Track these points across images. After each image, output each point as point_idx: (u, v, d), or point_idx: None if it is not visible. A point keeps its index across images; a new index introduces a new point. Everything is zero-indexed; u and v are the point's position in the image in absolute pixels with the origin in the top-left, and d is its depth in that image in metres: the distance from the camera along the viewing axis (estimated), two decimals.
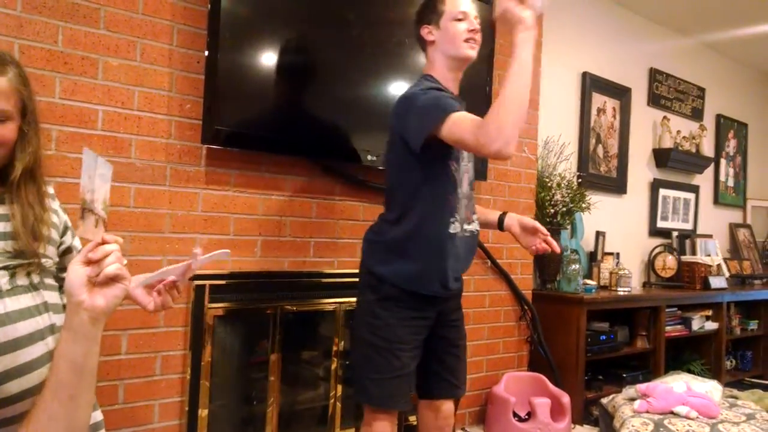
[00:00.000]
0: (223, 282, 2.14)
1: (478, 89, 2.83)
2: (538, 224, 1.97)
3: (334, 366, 2.43)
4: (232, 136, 2.10)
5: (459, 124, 1.61)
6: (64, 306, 1.08)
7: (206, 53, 2.04)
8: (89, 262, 0.80)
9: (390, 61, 2.49)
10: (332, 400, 2.43)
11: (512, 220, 2.00)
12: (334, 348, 2.43)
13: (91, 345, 0.80)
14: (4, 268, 1.01)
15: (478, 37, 1.82)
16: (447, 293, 1.85)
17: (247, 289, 2.20)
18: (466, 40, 1.81)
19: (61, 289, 1.11)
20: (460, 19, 1.81)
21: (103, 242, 0.81)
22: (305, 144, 2.29)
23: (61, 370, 0.79)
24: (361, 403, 1.86)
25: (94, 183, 0.82)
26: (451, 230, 1.78)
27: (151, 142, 2.01)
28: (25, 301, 1.02)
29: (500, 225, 2.02)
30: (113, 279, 0.81)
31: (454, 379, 1.95)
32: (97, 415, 1.18)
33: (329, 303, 2.40)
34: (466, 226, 1.84)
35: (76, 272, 0.80)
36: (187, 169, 2.08)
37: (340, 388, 2.43)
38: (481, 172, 2.87)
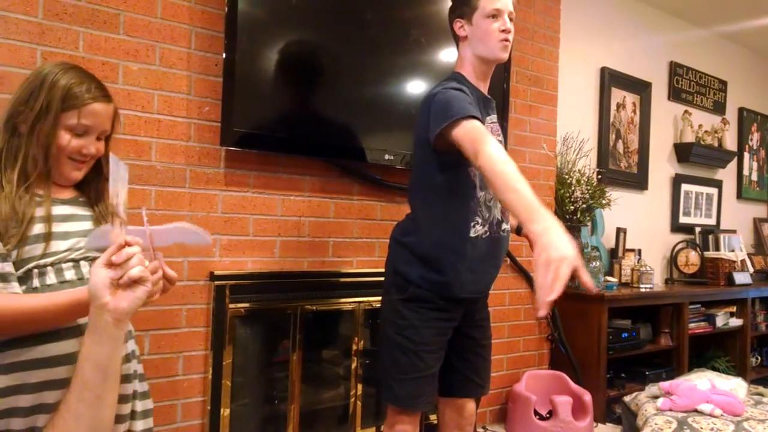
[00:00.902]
0: (243, 282, 2.16)
1: (495, 86, 2.81)
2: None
3: (354, 365, 2.44)
4: (250, 138, 2.12)
5: (470, 132, 1.55)
6: None
7: (224, 56, 2.06)
8: (112, 265, 0.81)
9: (407, 61, 2.49)
10: (353, 399, 2.44)
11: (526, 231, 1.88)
12: (354, 347, 2.44)
13: (115, 346, 0.81)
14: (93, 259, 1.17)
15: (511, 37, 1.77)
16: (471, 296, 1.82)
17: (267, 289, 2.22)
18: (501, 41, 1.75)
19: None
20: (493, 16, 1.75)
21: (126, 244, 0.83)
22: (323, 145, 2.30)
23: (86, 371, 0.80)
24: (385, 402, 1.85)
25: (118, 186, 0.84)
26: (472, 234, 1.74)
27: (171, 145, 2.04)
28: None
29: (518, 230, 2.00)
30: (136, 281, 0.82)
31: (477, 378, 1.93)
32: (148, 404, 1.30)
33: (348, 302, 2.41)
34: (494, 227, 1.79)
35: (100, 274, 0.81)
36: (207, 171, 2.10)
37: (360, 387, 2.44)
38: None
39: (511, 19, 1.77)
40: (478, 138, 1.52)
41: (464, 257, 1.74)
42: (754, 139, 4.96)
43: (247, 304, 2.17)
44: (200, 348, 2.09)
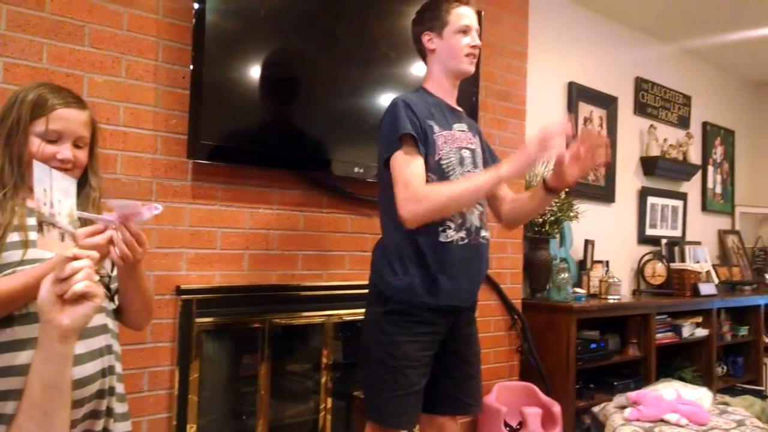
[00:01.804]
0: (210, 296, 2.14)
1: (464, 100, 2.84)
2: (572, 151, 1.71)
3: (323, 379, 2.42)
4: (218, 151, 2.11)
5: (404, 170, 1.70)
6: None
7: (191, 68, 2.05)
8: (58, 280, 0.80)
9: (376, 74, 2.51)
10: (322, 413, 2.42)
11: (552, 175, 1.79)
12: (324, 361, 2.42)
13: (62, 363, 0.80)
14: None
15: (478, 52, 1.86)
16: (453, 305, 1.80)
17: (235, 303, 2.20)
18: (467, 55, 1.84)
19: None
20: (463, 32, 1.83)
21: (74, 258, 0.81)
22: (292, 157, 2.30)
23: (35, 388, 0.79)
24: (368, 420, 1.82)
25: (52, 196, 0.82)
26: (443, 239, 1.76)
27: (137, 158, 2.02)
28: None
29: (548, 189, 1.82)
30: (83, 296, 0.80)
31: (464, 396, 1.90)
32: (127, 426, 1.34)
33: (318, 316, 2.40)
34: (472, 234, 1.81)
35: (47, 289, 0.80)
36: (173, 184, 2.09)
37: (330, 401, 2.43)
38: None
39: (477, 35, 1.86)
40: (412, 178, 1.68)
41: (438, 262, 1.75)
42: (718, 152, 5.08)
43: (214, 319, 2.14)
44: (166, 363, 2.06)
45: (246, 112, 2.19)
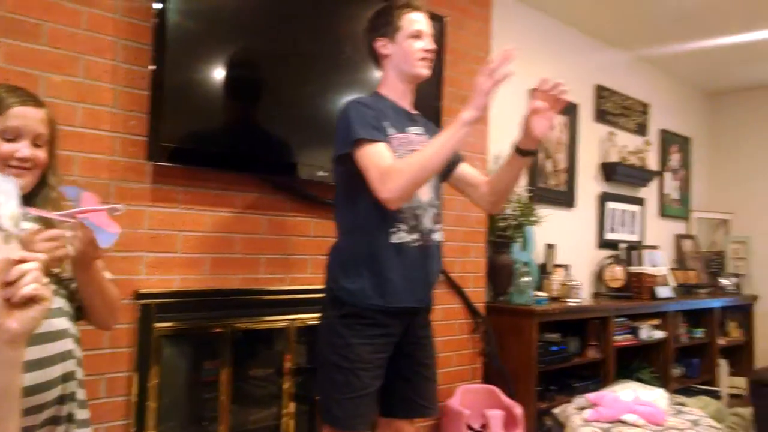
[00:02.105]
0: (170, 301, 2.10)
1: (428, 104, 2.86)
2: (531, 107, 1.75)
3: (286, 384, 2.40)
4: (179, 153, 2.08)
5: (370, 155, 1.70)
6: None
7: (151, 68, 2.02)
8: (5, 283, 0.77)
9: (341, 77, 2.51)
10: (285, 418, 2.40)
11: (521, 138, 1.81)
12: (287, 365, 2.41)
13: (11, 370, 0.77)
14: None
15: (432, 56, 1.87)
16: (407, 306, 1.82)
17: (196, 308, 2.17)
18: (422, 59, 1.86)
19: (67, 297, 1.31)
20: (416, 37, 1.85)
21: (21, 260, 0.79)
22: (254, 160, 2.28)
23: None
24: (324, 423, 1.83)
25: None
26: (395, 240, 1.77)
27: (95, 160, 1.98)
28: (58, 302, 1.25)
29: (521, 152, 1.83)
30: (31, 300, 0.78)
31: (421, 399, 1.91)
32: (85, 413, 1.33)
33: (281, 320, 2.38)
34: (424, 235, 1.82)
35: None
36: (132, 186, 2.05)
37: (292, 405, 2.41)
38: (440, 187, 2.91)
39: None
40: (384, 162, 1.67)
41: (390, 264, 1.76)
42: (675, 159, 5.21)
43: (174, 323, 2.11)
44: (124, 369, 2.01)
45: (208, 114, 2.17)
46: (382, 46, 1.87)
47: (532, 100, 1.76)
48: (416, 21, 1.86)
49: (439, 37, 2.96)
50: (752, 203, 5.36)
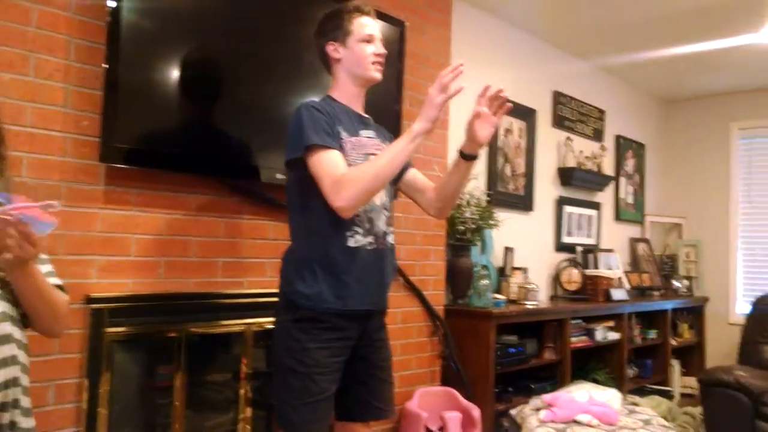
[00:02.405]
0: (123, 305, 2.06)
1: (388, 108, 2.88)
2: (475, 112, 1.81)
3: (243, 388, 2.38)
4: (133, 154, 2.05)
5: (323, 163, 1.70)
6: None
7: (105, 68, 1.98)
8: None
9: (301, 79, 2.50)
10: (241, 423, 2.38)
11: (465, 142, 1.86)
12: (243, 370, 2.38)
13: None
14: None
15: (383, 60, 1.89)
16: (363, 309, 1.82)
17: (150, 312, 2.13)
18: (373, 63, 1.87)
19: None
20: (367, 41, 1.87)
21: None
22: (211, 162, 2.25)
23: None
24: (280, 428, 1.82)
25: None
26: (352, 244, 1.78)
27: (45, 161, 1.93)
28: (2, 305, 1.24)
29: (465, 156, 1.87)
30: None
31: (378, 402, 1.92)
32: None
33: (238, 324, 2.36)
34: (379, 239, 1.83)
35: None
36: (84, 188, 2.00)
37: (249, 410, 2.39)
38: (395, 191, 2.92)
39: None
40: (336, 170, 1.69)
41: (347, 267, 1.76)
42: (630, 165, 5.35)
43: (127, 328, 2.07)
44: (74, 375, 1.97)
45: (163, 115, 2.14)
46: (333, 50, 1.88)
47: (475, 106, 1.81)
48: (367, 25, 1.88)
49: (399, 41, 2.98)
50: (703, 208, 5.53)
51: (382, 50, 1.88)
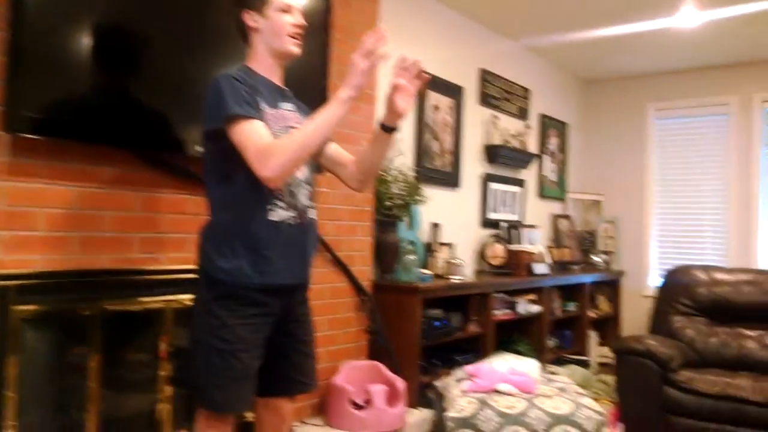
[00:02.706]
0: (31, 282, 1.96)
1: (313, 82, 2.84)
2: (392, 84, 1.83)
3: (162, 367, 2.32)
4: (41, 124, 1.94)
5: (248, 133, 1.66)
6: None
7: (8, 33, 1.86)
8: None
9: (223, 49, 2.42)
10: (161, 404, 2.33)
11: (386, 115, 1.88)
12: (163, 348, 2.32)
13: None
14: None
15: (302, 32, 1.85)
16: (286, 283, 1.80)
17: (62, 290, 2.04)
18: (292, 36, 1.83)
19: None
20: (285, 11, 1.82)
21: None
22: (126, 133, 2.16)
23: None
24: (201, 407, 1.78)
25: None
26: (273, 218, 1.75)
27: None
28: None
29: (386, 128, 1.89)
30: None
31: (301, 376, 1.92)
32: None
33: (156, 301, 2.29)
34: (297, 213, 1.81)
35: None
36: None
37: (169, 389, 2.34)
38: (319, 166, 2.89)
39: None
40: (261, 140, 1.65)
41: (268, 242, 1.74)
42: (553, 143, 5.50)
43: (36, 307, 1.98)
44: None
45: (73, 83, 2.03)
46: (251, 18, 1.83)
47: (393, 78, 1.82)
48: None
49: (326, 14, 2.93)
50: (621, 186, 5.77)
51: (301, 21, 1.84)
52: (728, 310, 3.67)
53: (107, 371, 2.17)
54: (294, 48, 1.84)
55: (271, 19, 1.81)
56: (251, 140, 1.65)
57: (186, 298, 2.33)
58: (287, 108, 1.86)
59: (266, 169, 1.63)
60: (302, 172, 1.83)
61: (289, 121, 1.81)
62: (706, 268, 3.91)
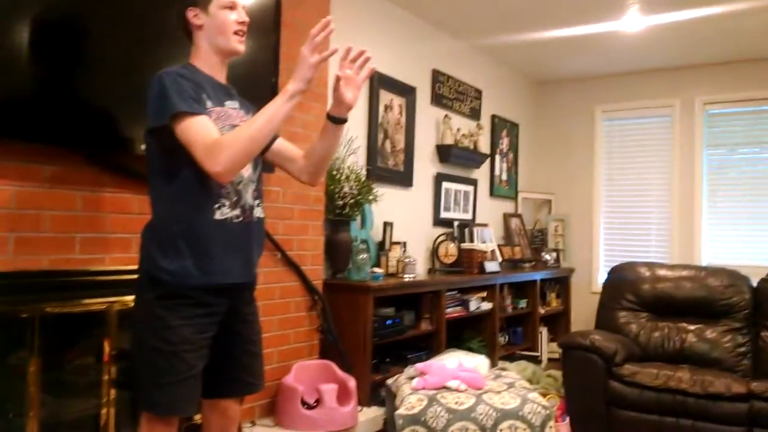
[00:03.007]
0: None
1: (264, 80, 2.82)
2: (338, 75, 1.83)
3: (106, 370, 2.27)
4: None
5: (194, 129, 1.64)
6: None
7: None
8: None
9: (170, 44, 2.37)
10: (105, 408, 2.27)
11: (334, 107, 1.88)
12: (106, 350, 2.27)
13: None
14: None
15: (246, 29, 1.84)
16: (232, 282, 1.78)
17: None
18: (236, 33, 1.81)
19: None
20: (230, 8, 1.81)
21: None
22: (67, 131, 2.10)
23: None
24: (144, 411, 1.74)
25: None
26: (219, 216, 1.73)
27: None
28: None
29: (334, 120, 1.89)
30: None
31: (249, 377, 1.90)
32: None
33: (99, 303, 2.24)
34: (246, 212, 1.80)
35: None
36: None
37: (113, 392, 2.29)
38: (270, 164, 2.87)
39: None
40: (209, 136, 1.63)
41: (213, 241, 1.72)
42: (504, 143, 5.59)
43: None
44: None
45: (10, 77, 1.96)
46: (194, 16, 1.80)
47: (339, 69, 1.83)
48: None
49: (276, 11, 2.91)
50: (570, 185, 5.90)
51: (245, 18, 1.83)
52: (670, 305, 3.79)
53: (48, 375, 2.11)
54: (238, 45, 1.82)
55: (214, 17, 1.79)
56: (199, 136, 1.63)
57: (130, 299, 2.27)
58: (232, 106, 1.84)
59: (215, 164, 1.61)
60: (248, 170, 1.81)
61: (234, 120, 1.80)
62: (649, 265, 4.02)
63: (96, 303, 2.23)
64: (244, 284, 1.87)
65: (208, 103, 1.74)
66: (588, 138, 5.83)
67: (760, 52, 4.93)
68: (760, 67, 5.12)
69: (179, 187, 1.72)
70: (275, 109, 1.67)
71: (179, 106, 1.64)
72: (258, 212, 1.86)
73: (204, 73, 1.81)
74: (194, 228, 1.72)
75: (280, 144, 2.01)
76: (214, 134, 1.65)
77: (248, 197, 1.81)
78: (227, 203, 1.75)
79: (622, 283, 3.97)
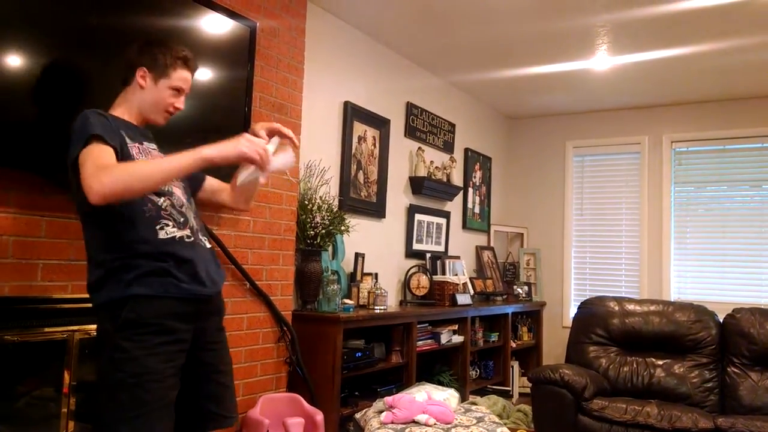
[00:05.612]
0: None
1: (236, 110, 2.82)
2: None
3: (66, 401, 2.20)
4: None
5: (96, 152, 1.63)
6: None
7: None
8: None
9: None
10: None
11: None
12: (66, 381, 2.21)
13: None
14: None
15: (175, 112, 1.92)
16: (191, 296, 1.75)
17: None
18: (167, 111, 1.89)
19: None
20: (176, 91, 1.88)
21: None
22: (31, 155, 2.07)
23: None
24: None
25: None
26: (163, 236, 1.73)
27: None
28: None
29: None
30: None
31: (219, 408, 1.85)
32: None
33: (60, 331, 2.18)
34: (191, 232, 1.80)
35: None
36: None
37: (72, 425, 2.21)
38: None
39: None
40: (103, 161, 1.61)
41: (167, 259, 1.71)
42: (477, 176, 5.65)
43: None
44: None
45: None
46: (142, 77, 1.85)
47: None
48: (184, 80, 1.89)
49: (250, 41, 2.93)
50: (542, 219, 5.97)
51: (181, 106, 1.90)
52: (639, 339, 3.83)
53: (3, 406, 2.04)
54: (162, 121, 1.90)
55: (158, 90, 1.85)
56: (95, 158, 1.61)
57: (92, 328, 2.23)
58: (152, 147, 1.89)
59: (97, 182, 1.56)
60: (185, 197, 1.86)
61: (155, 156, 1.86)
62: (618, 300, 4.07)
63: (57, 332, 2.17)
64: (209, 305, 1.84)
65: (128, 140, 1.77)
66: (559, 173, 5.93)
67: (725, 92, 5.10)
68: (725, 106, 5.28)
69: (114, 215, 1.70)
70: (180, 162, 1.66)
71: (97, 130, 1.65)
72: (205, 241, 1.88)
73: (122, 119, 1.84)
74: (144, 252, 1.70)
75: (209, 182, 2.08)
76: (111, 162, 1.64)
77: (193, 221, 1.85)
78: (170, 223, 1.76)
79: (592, 318, 4.00)
